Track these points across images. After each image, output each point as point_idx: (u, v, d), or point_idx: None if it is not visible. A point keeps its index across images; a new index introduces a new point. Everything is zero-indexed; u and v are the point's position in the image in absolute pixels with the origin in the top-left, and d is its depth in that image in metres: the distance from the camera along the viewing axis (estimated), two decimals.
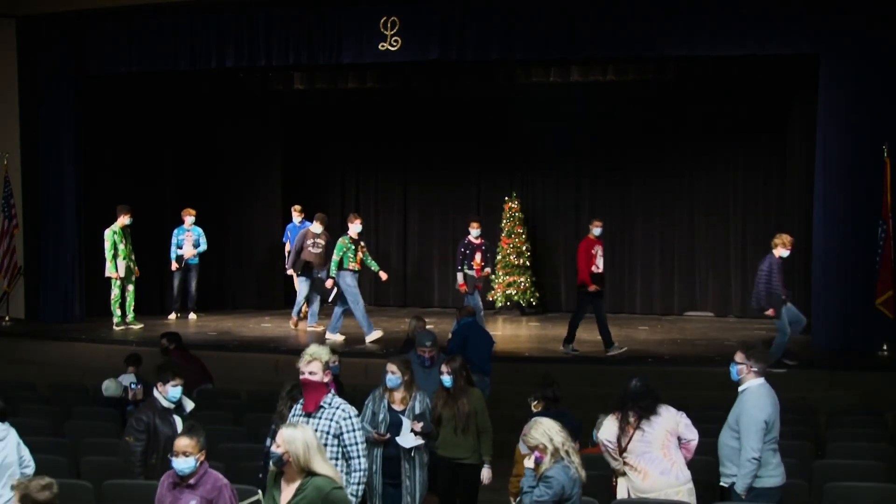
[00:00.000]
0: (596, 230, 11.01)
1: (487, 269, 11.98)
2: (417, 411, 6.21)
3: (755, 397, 5.60)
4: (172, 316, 13.51)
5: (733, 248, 14.47)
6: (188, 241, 13.24)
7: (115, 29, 12.64)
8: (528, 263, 14.61)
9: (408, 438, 6.08)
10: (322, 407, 5.26)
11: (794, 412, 7.85)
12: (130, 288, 12.52)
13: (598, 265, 10.88)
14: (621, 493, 5.59)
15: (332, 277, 11.54)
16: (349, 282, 11.45)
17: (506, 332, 12.88)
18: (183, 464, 4.81)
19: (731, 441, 5.65)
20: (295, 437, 4.41)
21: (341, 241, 11.49)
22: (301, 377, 5.30)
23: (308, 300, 12.77)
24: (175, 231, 13.32)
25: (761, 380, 5.69)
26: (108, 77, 13.10)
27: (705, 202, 14.56)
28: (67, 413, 7.88)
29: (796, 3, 10.73)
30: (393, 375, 6.27)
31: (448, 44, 11.49)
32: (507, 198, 14.89)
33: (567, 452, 5.02)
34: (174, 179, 14.83)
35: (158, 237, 14.58)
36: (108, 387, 8.33)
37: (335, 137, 16.03)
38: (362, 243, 11.80)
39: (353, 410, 5.29)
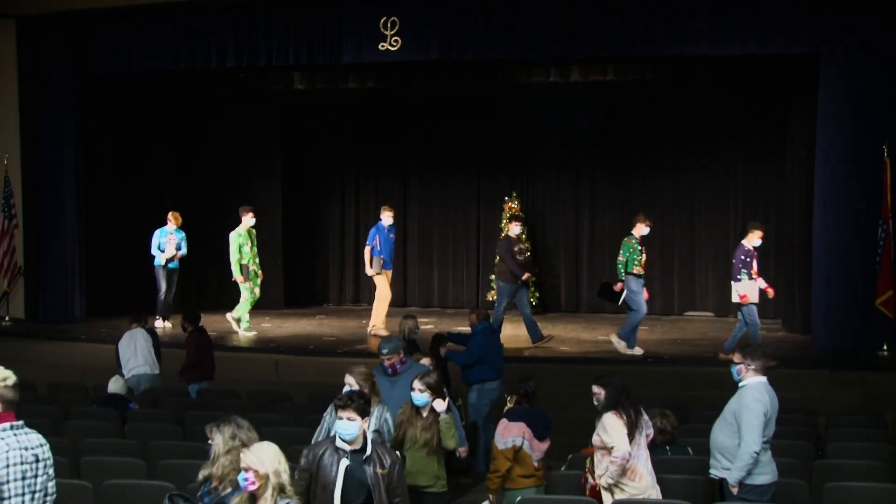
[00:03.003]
0: None
1: (762, 281, 10.48)
2: (373, 428, 5.62)
3: (754, 392, 5.62)
4: (161, 323, 12.61)
5: (733, 248, 14.42)
6: (171, 243, 12.65)
7: (115, 29, 12.64)
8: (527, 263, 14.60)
9: None
10: None
11: (794, 412, 7.85)
12: (257, 291, 12.16)
13: None
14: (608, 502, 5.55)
15: (622, 280, 10.72)
16: (633, 287, 10.68)
17: (506, 333, 12.82)
18: None
19: (725, 435, 5.64)
20: None
21: (627, 242, 10.72)
22: None
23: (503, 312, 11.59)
24: (157, 233, 12.71)
25: (763, 378, 5.70)
26: (108, 77, 13.10)
27: (705, 202, 14.57)
28: (67, 413, 7.88)
29: (796, 3, 10.73)
30: (348, 388, 5.77)
31: (448, 44, 11.49)
32: (507, 198, 14.88)
33: (290, 488, 4.17)
34: (174, 179, 14.84)
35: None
36: (112, 386, 8.37)
37: (335, 137, 16.03)
38: (644, 246, 10.97)
39: None
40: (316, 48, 11.86)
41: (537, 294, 14.73)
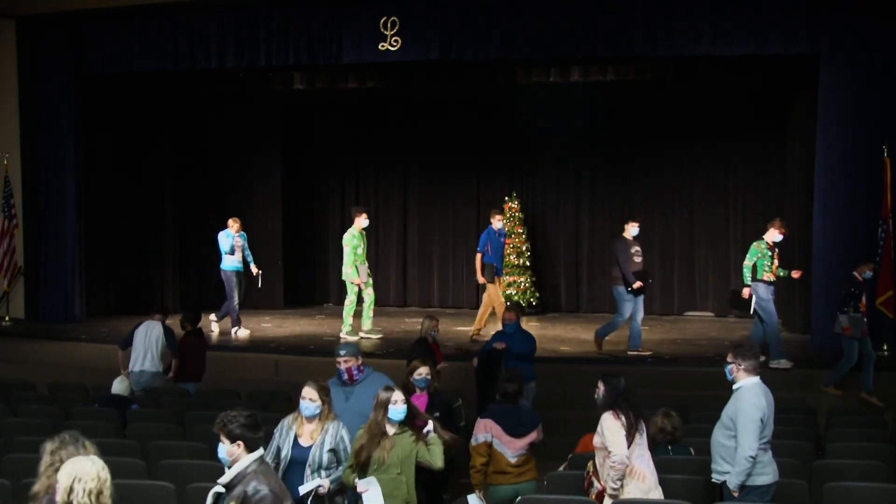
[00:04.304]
0: None
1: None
2: (328, 447, 5.26)
3: (750, 395, 5.60)
4: (244, 332, 12.33)
5: (733, 248, 14.47)
6: (238, 246, 12.17)
7: (114, 28, 12.65)
8: (528, 263, 14.61)
9: (308, 484, 5.19)
10: None
11: (794, 412, 7.85)
12: (370, 292, 11.70)
13: None
14: None
15: (748, 286, 9.95)
16: (763, 295, 9.93)
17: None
18: None
19: (724, 439, 5.63)
20: None
21: (756, 246, 9.94)
22: None
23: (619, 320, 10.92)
24: (225, 237, 12.15)
25: (756, 378, 5.68)
26: (108, 76, 13.11)
27: (705, 202, 14.58)
28: (67, 413, 7.88)
29: (796, 3, 10.74)
30: (311, 403, 5.30)
31: (448, 44, 11.50)
32: (507, 198, 14.88)
33: None
34: (174, 179, 14.84)
35: (157, 237, 14.61)
36: (116, 387, 8.37)
37: (335, 137, 16.03)
38: (777, 251, 10.12)
39: None
40: (316, 48, 11.86)
41: (537, 294, 14.75)
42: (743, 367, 5.68)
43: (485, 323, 11.86)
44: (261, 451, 4.32)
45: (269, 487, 4.17)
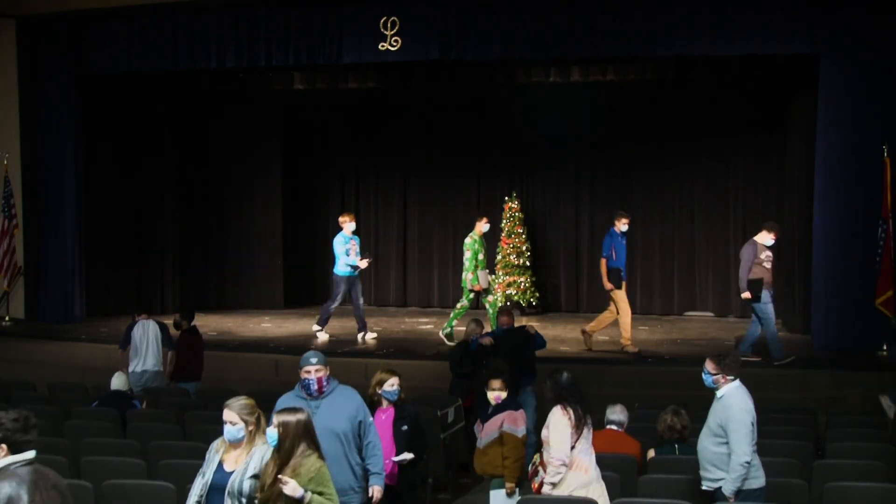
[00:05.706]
0: None
1: None
2: (251, 473, 4.65)
3: (738, 400, 5.56)
4: (368, 336, 11.81)
5: (733, 248, 14.45)
6: (353, 250, 11.66)
7: (115, 29, 12.65)
8: (528, 263, 14.60)
9: None
10: None
11: (794, 412, 7.85)
12: (490, 298, 11.57)
13: None
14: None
15: None
16: None
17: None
18: None
19: (713, 446, 5.58)
20: None
21: None
22: None
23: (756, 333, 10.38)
24: (341, 240, 11.66)
25: (737, 382, 5.67)
26: (109, 77, 13.12)
27: (705, 202, 14.57)
28: (67, 413, 7.88)
29: (796, 3, 10.74)
30: (232, 427, 4.73)
31: (448, 44, 11.50)
32: (507, 198, 14.88)
33: None
34: (174, 179, 14.84)
35: (158, 237, 14.62)
36: (115, 382, 8.39)
37: (335, 137, 16.03)
38: None
39: None
40: (316, 48, 11.87)
41: (537, 294, 14.75)
42: (730, 377, 5.64)
43: (603, 326, 11.28)
44: (31, 453, 4.13)
45: (12, 491, 3.92)
